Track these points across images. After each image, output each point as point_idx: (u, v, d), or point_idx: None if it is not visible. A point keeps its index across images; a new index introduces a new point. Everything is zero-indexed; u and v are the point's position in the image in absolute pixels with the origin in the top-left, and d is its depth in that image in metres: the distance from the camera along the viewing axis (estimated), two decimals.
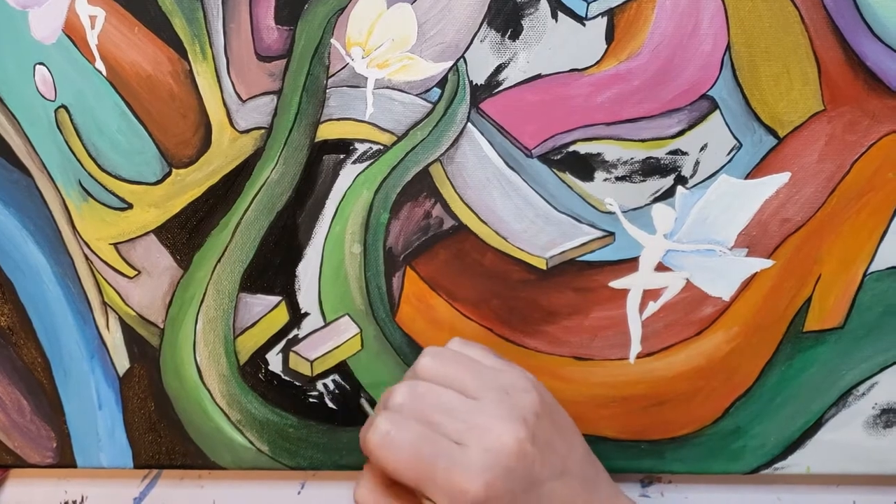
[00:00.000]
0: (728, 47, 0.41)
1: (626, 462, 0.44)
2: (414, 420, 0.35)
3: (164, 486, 0.46)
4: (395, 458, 0.34)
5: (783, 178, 0.42)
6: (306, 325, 0.43)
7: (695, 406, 0.44)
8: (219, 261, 0.43)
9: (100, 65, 0.42)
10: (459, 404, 0.36)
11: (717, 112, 0.41)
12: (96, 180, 0.43)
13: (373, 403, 0.44)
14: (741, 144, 0.42)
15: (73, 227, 0.43)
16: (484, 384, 0.37)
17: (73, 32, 0.41)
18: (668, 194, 0.42)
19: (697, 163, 0.42)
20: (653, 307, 0.43)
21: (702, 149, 0.42)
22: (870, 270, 0.43)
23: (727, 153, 0.42)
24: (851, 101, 0.41)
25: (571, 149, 0.42)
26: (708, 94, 0.41)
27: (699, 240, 0.42)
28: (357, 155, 0.42)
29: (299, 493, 0.46)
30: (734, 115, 0.41)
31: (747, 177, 0.42)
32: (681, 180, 0.42)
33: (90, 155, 0.42)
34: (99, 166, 0.42)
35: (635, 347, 0.43)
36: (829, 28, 0.41)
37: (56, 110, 0.42)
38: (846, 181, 0.42)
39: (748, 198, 0.42)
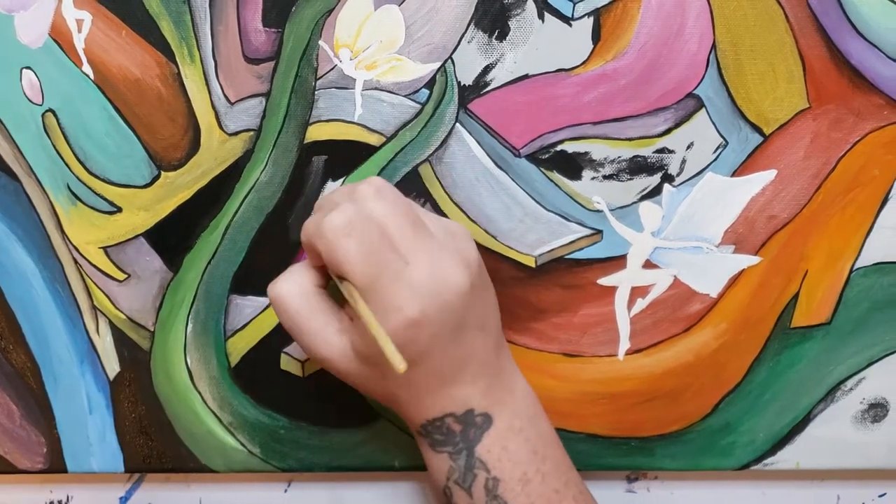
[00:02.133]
0: (713, 46, 0.41)
1: (616, 459, 0.44)
2: (376, 223, 0.35)
3: (150, 485, 0.46)
4: (350, 249, 0.34)
5: (769, 175, 0.42)
6: None
7: (684, 402, 0.44)
8: (209, 263, 0.43)
9: (87, 68, 0.42)
10: (416, 229, 0.36)
11: (704, 110, 0.42)
12: (85, 184, 0.42)
13: None
14: (727, 142, 0.42)
15: (62, 232, 0.43)
16: (433, 222, 0.37)
17: (59, 36, 0.41)
18: (655, 192, 0.42)
19: (684, 161, 0.42)
20: (641, 304, 0.43)
21: (688, 147, 0.42)
22: (856, 266, 0.43)
23: (713, 151, 0.42)
24: (836, 99, 0.42)
25: (559, 148, 0.42)
26: (694, 92, 0.41)
27: (686, 237, 0.43)
28: (346, 156, 0.42)
29: (286, 491, 0.46)
30: (720, 113, 0.42)
31: (734, 174, 0.42)
32: (668, 178, 0.42)
33: (78, 159, 0.42)
34: (87, 170, 0.42)
35: (624, 344, 0.44)
36: (814, 26, 0.41)
37: (43, 114, 0.42)
38: (832, 178, 0.42)
39: (735, 195, 0.42)
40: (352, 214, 0.35)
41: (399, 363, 0.33)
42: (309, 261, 0.38)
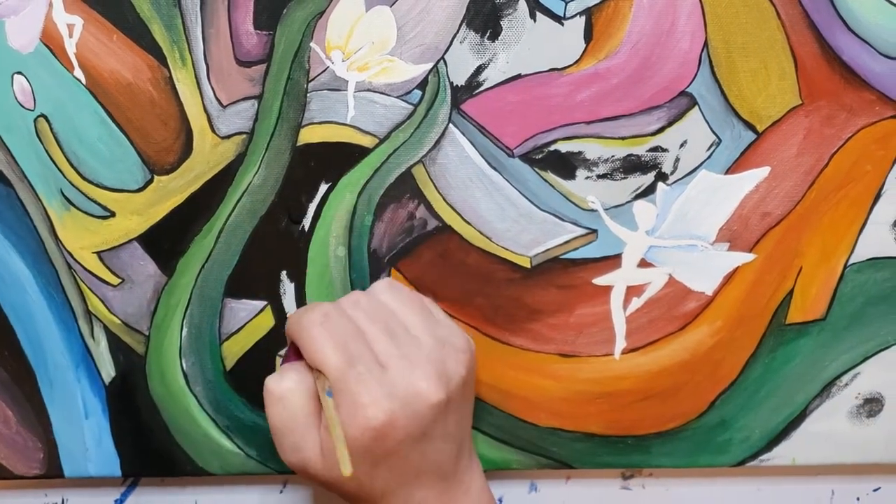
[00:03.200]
0: (705, 44, 0.41)
1: (612, 458, 0.45)
2: (354, 323, 0.36)
3: (146, 487, 0.46)
4: (322, 339, 0.35)
5: (763, 172, 0.42)
6: None
7: (680, 400, 0.44)
8: (203, 267, 0.43)
9: (79, 73, 0.41)
10: (400, 334, 0.37)
11: (696, 108, 0.42)
12: (78, 189, 0.42)
13: None
14: (720, 140, 0.42)
15: (56, 237, 0.43)
16: (427, 328, 0.38)
17: (50, 41, 0.41)
18: (649, 191, 0.42)
19: (678, 159, 0.42)
20: (636, 303, 0.43)
21: (681, 145, 0.42)
22: (850, 262, 0.43)
23: (707, 149, 0.42)
24: (828, 95, 0.42)
25: (553, 148, 0.42)
26: (686, 90, 0.41)
27: (681, 235, 0.43)
28: (339, 158, 0.42)
29: (281, 491, 0.46)
30: (713, 111, 0.42)
31: (727, 172, 0.42)
32: (661, 177, 0.42)
33: (71, 164, 0.42)
34: (80, 175, 0.42)
35: (620, 343, 0.44)
36: (805, 23, 0.41)
37: (35, 119, 0.42)
38: (825, 174, 0.42)
39: (728, 193, 0.42)
40: (329, 309, 0.37)
41: (346, 467, 0.33)
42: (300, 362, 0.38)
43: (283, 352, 0.44)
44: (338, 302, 0.38)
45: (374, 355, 0.36)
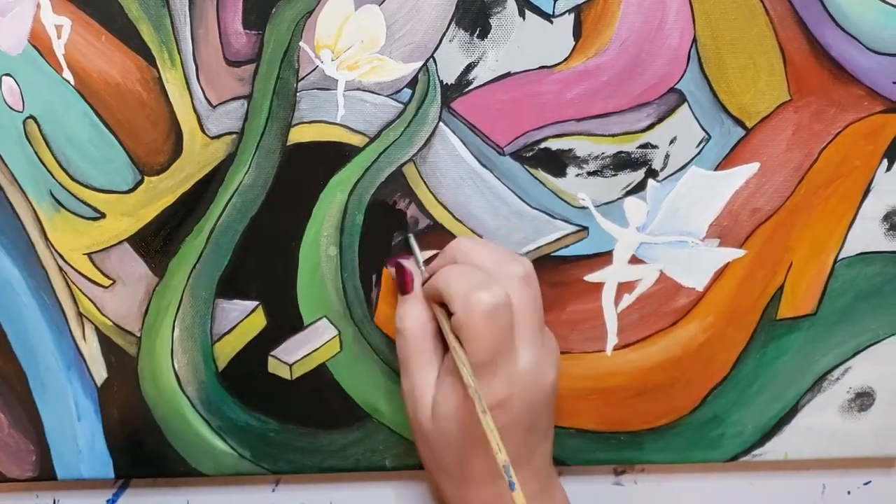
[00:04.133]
0: (694, 40, 0.41)
1: (605, 454, 0.45)
2: (512, 311, 0.37)
3: (138, 486, 0.46)
4: (487, 333, 0.36)
5: (752, 168, 0.42)
6: (284, 329, 0.43)
7: (672, 396, 0.44)
8: (194, 267, 0.43)
9: (67, 74, 0.41)
10: (538, 323, 0.38)
11: (686, 105, 0.42)
12: (68, 190, 0.42)
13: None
14: (710, 136, 0.42)
15: (46, 239, 0.43)
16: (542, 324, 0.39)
17: (39, 42, 0.41)
18: (639, 188, 0.43)
19: (667, 156, 0.42)
20: (628, 299, 0.43)
21: (671, 142, 0.42)
22: (840, 257, 0.43)
23: (696, 145, 0.42)
24: (817, 91, 0.42)
25: (543, 145, 0.42)
26: (676, 87, 0.42)
27: (671, 232, 0.43)
28: (330, 157, 0.42)
29: (273, 490, 0.46)
30: (702, 107, 0.42)
31: (717, 168, 0.42)
32: (651, 174, 0.42)
33: (61, 165, 0.42)
34: (70, 176, 0.42)
35: (612, 340, 0.44)
36: (793, 19, 0.41)
37: (24, 121, 0.42)
38: (814, 170, 0.43)
39: (718, 189, 0.43)
40: (501, 299, 0.36)
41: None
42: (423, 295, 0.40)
43: (276, 351, 0.44)
44: (501, 272, 0.38)
45: (514, 345, 0.37)
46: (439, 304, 0.39)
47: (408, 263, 0.41)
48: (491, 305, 0.36)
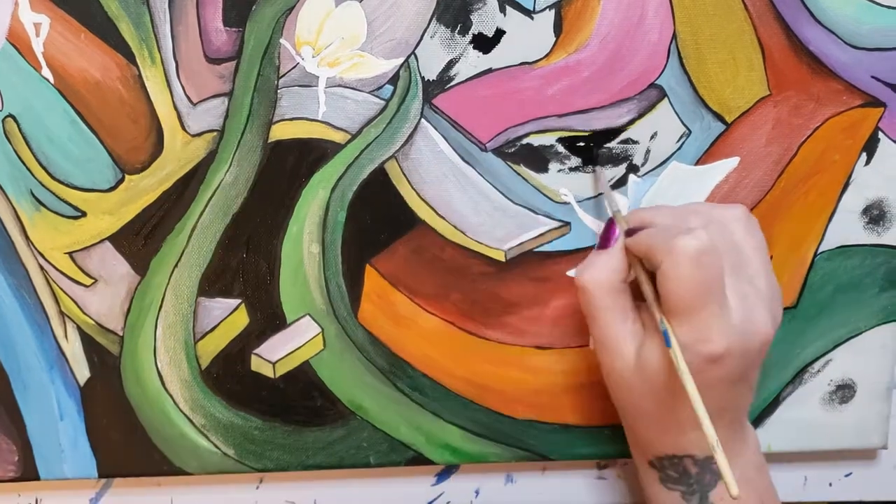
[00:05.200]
0: (674, 36, 0.41)
1: (590, 448, 0.45)
2: (720, 257, 0.35)
3: (121, 486, 0.46)
4: (690, 279, 0.34)
5: (732, 162, 0.43)
6: (267, 327, 0.43)
7: None
8: (176, 266, 0.43)
9: (46, 73, 0.41)
10: (741, 272, 0.37)
11: (666, 100, 0.42)
12: (48, 189, 0.42)
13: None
14: (690, 131, 0.42)
15: (27, 238, 0.42)
16: (766, 273, 0.38)
17: (17, 41, 0.41)
18: (620, 183, 0.43)
19: (648, 151, 0.42)
20: None
21: (652, 137, 0.42)
22: (820, 250, 0.44)
23: (677, 140, 0.42)
24: (796, 86, 0.42)
25: (525, 141, 0.42)
26: (656, 83, 0.42)
27: None
28: (311, 154, 0.42)
29: (257, 487, 0.46)
30: (682, 102, 0.42)
31: (697, 163, 0.43)
32: (632, 169, 0.43)
33: (41, 164, 0.42)
34: (50, 175, 0.42)
35: None
36: (772, 14, 0.41)
37: (3, 120, 0.41)
38: (793, 164, 0.43)
39: (699, 183, 0.43)
40: (706, 244, 0.35)
41: (733, 489, 0.33)
42: (619, 250, 0.38)
43: (259, 349, 0.44)
44: (713, 219, 0.37)
45: (724, 293, 0.35)
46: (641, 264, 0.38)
47: (618, 223, 0.40)
48: (695, 250, 0.34)
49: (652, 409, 0.38)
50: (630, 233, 0.38)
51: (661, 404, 0.37)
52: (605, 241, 0.39)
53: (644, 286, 0.37)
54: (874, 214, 0.43)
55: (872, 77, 0.42)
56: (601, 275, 0.38)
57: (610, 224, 0.40)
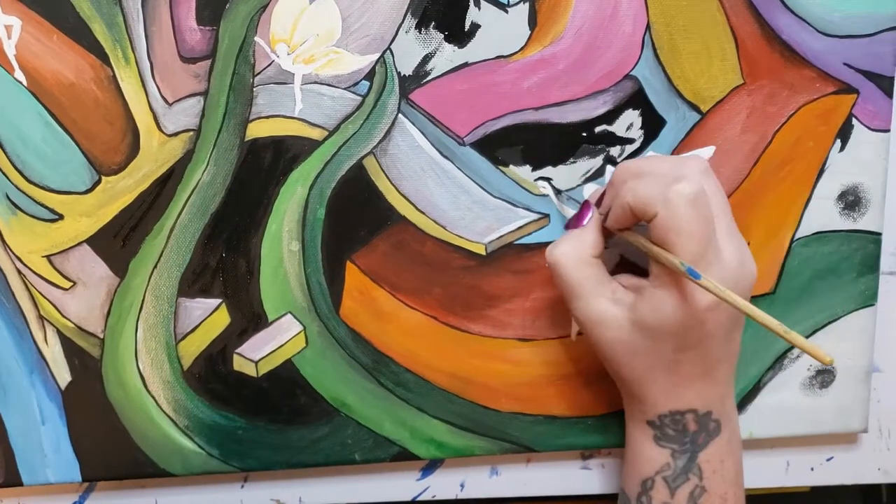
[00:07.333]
0: (648, 27, 0.41)
1: (574, 439, 0.45)
2: (708, 200, 0.36)
3: (104, 489, 0.46)
4: (693, 221, 0.35)
5: (708, 151, 0.43)
6: (248, 326, 0.43)
7: None
8: (155, 267, 0.42)
9: (19, 75, 0.41)
10: (730, 214, 0.38)
11: (641, 91, 0.42)
12: (24, 193, 0.42)
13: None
14: (665, 121, 0.42)
15: (3, 242, 0.42)
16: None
17: None
18: (598, 174, 0.43)
19: (624, 142, 0.43)
20: None
21: (628, 128, 0.42)
22: (796, 236, 0.44)
23: (652, 131, 0.43)
24: (769, 74, 0.42)
25: (502, 135, 0.42)
26: (631, 74, 0.42)
27: None
28: (289, 152, 0.42)
29: (242, 486, 0.46)
30: (657, 93, 0.42)
31: (673, 152, 0.43)
32: (610, 160, 0.43)
33: (16, 167, 0.42)
34: (26, 178, 0.42)
35: (576, 325, 0.44)
36: (744, 3, 0.42)
37: None
38: (769, 151, 0.43)
39: None
40: (699, 188, 0.35)
41: (826, 356, 0.33)
42: (591, 227, 0.39)
43: (241, 349, 0.43)
44: (684, 172, 0.37)
45: (715, 237, 0.36)
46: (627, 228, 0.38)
47: (592, 206, 0.40)
48: (692, 194, 0.35)
49: (657, 364, 0.38)
50: (607, 216, 0.39)
51: (665, 359, 0.37)
52: (577, 221, 0.40)
53: (639, 238, 0.37)
54: (849, 200, 0.44)
55: (845, 64, 0.42)
56: (569, 248, 0.38)
57: (583, 207, 0.40)
